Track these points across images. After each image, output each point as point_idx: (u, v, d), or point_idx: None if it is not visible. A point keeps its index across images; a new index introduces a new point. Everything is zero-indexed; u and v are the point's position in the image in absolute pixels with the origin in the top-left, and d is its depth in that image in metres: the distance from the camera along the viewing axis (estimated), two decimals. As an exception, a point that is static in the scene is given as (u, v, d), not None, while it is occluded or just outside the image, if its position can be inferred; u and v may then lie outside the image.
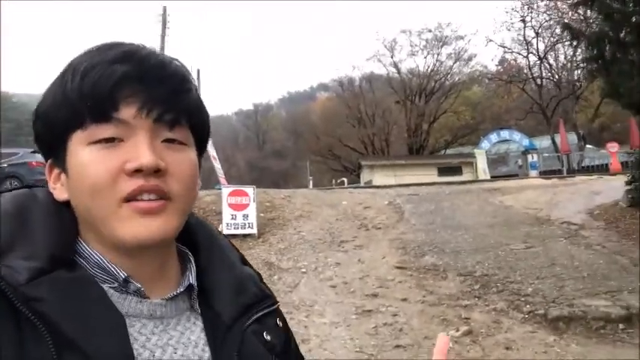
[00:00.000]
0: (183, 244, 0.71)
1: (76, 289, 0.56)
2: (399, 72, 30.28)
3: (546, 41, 27.47)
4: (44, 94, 0.63)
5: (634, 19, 8.37)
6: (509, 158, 28.88)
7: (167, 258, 0.66)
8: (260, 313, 0.70)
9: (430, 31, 29.07)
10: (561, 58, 28.56)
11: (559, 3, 25.69)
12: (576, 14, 25.05)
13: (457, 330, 5.01)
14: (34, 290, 0.54)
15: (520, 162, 25.81)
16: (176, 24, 56.73)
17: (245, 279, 0.72)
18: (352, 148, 30.81)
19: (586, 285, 5.91)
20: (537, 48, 27.45)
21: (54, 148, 0.62)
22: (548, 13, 26.17)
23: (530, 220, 10.09)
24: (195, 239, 0.72)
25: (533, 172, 22.11)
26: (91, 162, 0.58)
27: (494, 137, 24.57)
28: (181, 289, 0.66)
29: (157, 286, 0.64)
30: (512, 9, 26.71)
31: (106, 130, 0.58)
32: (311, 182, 25.63)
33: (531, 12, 26.34)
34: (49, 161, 0.65)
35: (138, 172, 0.57)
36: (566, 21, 9.57)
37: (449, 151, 30.05)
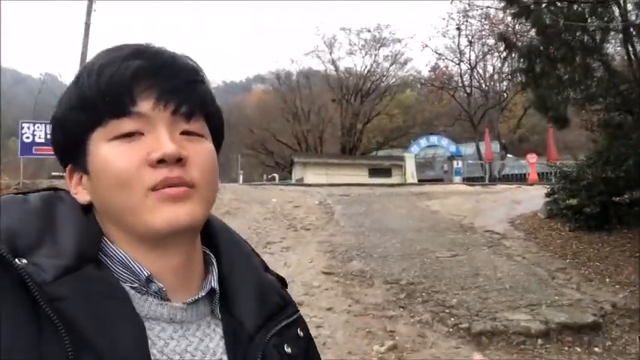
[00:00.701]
0: (208, 247, 0.71)
1: (99, 289, 0.56)
2: (336, 70, 30.37)
3: (477, 51, 28.63)
4: (59, 101, 0.64)
5: (563, 36, 8.68)
6: (435, 163, 29.85)
7: (192, 254, 0.66)
8: (282, 324, 0.69)
9: (369, 31, 29.38)
10: (490, 69, 29.94)
11: (492, 13, 26.85)
12: (506, 27, 26.31)
13: (382, 345, 4.82)
14: (58, 289, 0.53)
15: (446, 167, 26.71)
16: (103, 10, 53.05)
17: (268, 287, 0.72)
18: (285, 144, 30.43)
19: (508, 297, 5.97)
20: (469, 57, 28.57)
21: (73, 152, 0.64)
22: (481, 22, 27.23)
23: (455, 227, 10.26)
24: (218, 243, 0.72)
25: (457, 178, 22.94)
26: (114, 156, 0.59)
27: (423, 142, 25.24)
28: (203, 293, 0.65)
29: (179, 286, 0.64)
30: (449, 16, 27.60)
31: (125, 125, 0.59)
32: (241, 177, 24.97)
33: (466, 20, 27.27)
34: (68, 167, 0.66)
35: (161, 162, 0.58)
36: (500, 31, 9.66)
37: (380, 153, 30.53)
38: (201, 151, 0.63)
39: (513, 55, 10.10)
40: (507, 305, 5.74)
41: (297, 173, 24.41)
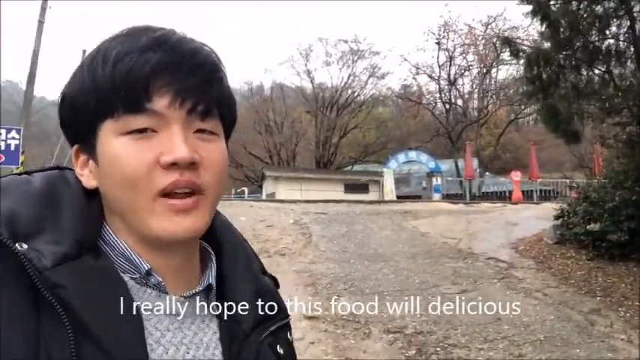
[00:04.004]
0: (207, 242, 0.70)
1: (98, 279, 0.56)
2: (312, 81, 29.11)
3: (457, 66, 27.93)
4: (70, 78, 0.62)
5: (581, 39, 7.58)
6: (411, 179, 28.82)
7: (192, 253, 0.67)
8: (276, 326, 0.70)
9: (346, 42, 28.28)
10: (468, 85, 29.31)
11: (474, 27, 26.28)
12: (487, 42, 25.70)
13: None
14: (58, 276, 0.53)
15: (424, 184, 25.68)
16: (59, 9, 50.53)
17: (265, 289, 0.73)
18: (256, 157, 28.84)
19: (548, 354, 4.63)
20: (449, 72, 27.83)
21: (82, 134, 0.62)
22: (462, 37, 26.63)
23: (453, 252, 8.96)
24: (221, 241, 0.72)
25: (437, 195, 21.87)
26: (125, 154, 0.58)
27: (402, 157, 24.14)
28: (200, 288, 0.66)
29: (177, 280, 0.64)
30: (429, 30, 26.83)
31: (139, 121, 0.58)
32: (208, 190, 23.20)
33: (447, 35, 26.60)
34: (75, 147, 0.64)
35: (173, 165, 0.57)
36: (505, 35, 8.55)
37: (355, 168, 29.31)
38: (215, 152, 0.62)
39: (519, 61, 8.98)
40: (551, 367, 4.40)
41: (268, 188, 22.88)
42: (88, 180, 0.63)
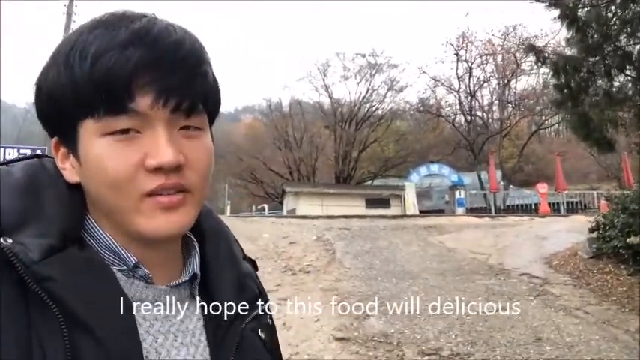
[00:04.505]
0: (190, 230, 0.68)
1: (87, 270, 0.55)
2: (330, 96, 29.06)
3: (476, 77, 27.62)
4: (44, 69, 0.59)
5: (612, 45, 7.33)
6: (433, 193, 28.38)
7: (175, 245, 0.67)
8: (257, 311, 0.70)
9: (364, 56, 28.21)
10: (487, 96, 28.94)
11: (493, 39, 26.04)
12: (507, 52, 25.41)
13: None
14: (46, 269, 0.53)
15: (447, 198, 25.26)
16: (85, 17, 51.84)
17: (246, 275, 0.73)
18: (276, 173, 28.79)
19: (597, 378, 4.32)
20: (468, 83, 27.53)
21: (60, 128, 0.60)
22: (481, 48, 26.37)
23: (483, 268, 8.65)
24: (203, 228, 0.71)
25: (460, 210, 21.44)
26: (109, 156, 0.56)
27: (423, 170, 23.80)
28: (186, 278, 0.66)
29: (162, 271, 0.64)
30: (448, 42, 26.63)
31: (121, 122, 0.56)
32: (228, 208, 23.20)
33: (466, 46, 26.37)
34: (55, 139, 0.63)
35: (158, 169, 0.56)
36: (530, 43, 8.34)
37: (375, 183, 29.02)
38: (200, 150, 0.60)
39: (543, 69, 8.73)
40: (602, 392, 4.10)
41: (289, 204, 22.75)
42: (71, 175, 0.61)
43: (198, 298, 0.67)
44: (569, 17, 6.87)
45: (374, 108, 28.88)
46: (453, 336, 5.29)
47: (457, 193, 22.41)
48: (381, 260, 9.26)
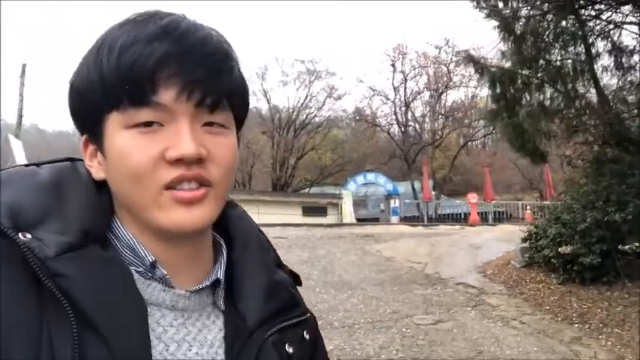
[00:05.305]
0: (221, 235, 0.68)
1: (103, 270, 0.55)
2: (268, 101, 28.57)
3: (411, 88, 28.28)
4: (79, 66, 0.59)
5: (546, 58, 7.52)
6: (368, 201, 28.66)
7: (201, 245, 0.64)
8: (286, 323, 0.66)
9: (303, 62, 28.06)
10: (420, 107, 29.72)
11: (427, 51, 26.76)
12: (442, 65, 26.25)
13: None
14: (60, 265, 0.52)
15: (382, 206, 25.56)
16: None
17: (277, 283, 0.69)
18: (210, 179, 27.85)
19: (540, 393, 4.22)
20: (404, 94, 28.11)
21: (89, 124, 0.60)
22: (417, 60, 27.01)
23: (420, 278, 8.58)
24: (233, 231, 0.69)
25: (395, 218, 21.73)
26: (131, 148, 0.56)
27: (360, 179, 23.95)
28: (207, 283, 0.63)
29: (185, 273, 0.62)
30: (385, 52, 27.07)
31: (144, 114, 0.56)
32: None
33: (402, 57, 26.90)
34: (84, 137, 0.63)
35: (179, 160, 0.56)
36: (468, 53, 8.44)
37: (312, 190, 28.84)
38: (223, 146, 0.59)
39: (472, 82, 8.88)
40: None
41: (223, 211, 21.97)
42: (97, 172, 0.61)
43: (223, 306, 0.64)
44: (506, 29, 6.97)
45: (312, 115, 28.80)
46: (394, 351, 5.05)
47: (392, 201, 22.70)
48: (319, 270, 8.96)
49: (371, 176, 24.19)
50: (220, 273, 0.64)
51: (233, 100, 0.60)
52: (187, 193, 0.56)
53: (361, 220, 21.97)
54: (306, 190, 28.60)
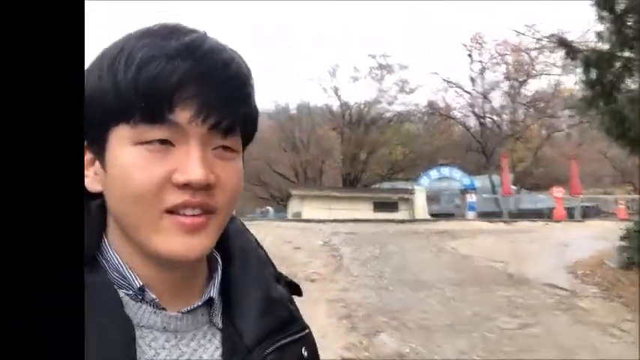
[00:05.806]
0: (219, 249, 0.65)
1: (91, 295, 0.52)
2: (339, 97, 28.43)
3: (489, 79, 26.93)
4: (90, 67, 0.57)
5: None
6: (441, 196, 27.67)
7: (194, 268, 0.62)
8: (284, 341, 0.64)
9: (374, 57, 27.58)
10: (498, 98, 28.23)
11: (508, 38, 25.34)
12: (525, 53, 24.75)
13: None
14: None
15: (457, 201, 24.58)
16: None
17: (275, 300, 0.66)
18: (282, 175, 28.22)
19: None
20: (481, 85, 26.82)
21: (92, 131, 0.57)
22: (496, 49, 25.67)
23: (502, 278, 8.04)
24: (230, 246, 0.67)
25: (471, 214, 20.73)
26: (137, 165, 0.54)
27: (434, 174, 23.14)
28: (199, 303, 0.61)
29: (178, 294, 0.61)
30: (462, 42, 25.96)
31: (156, 132, 0.54)
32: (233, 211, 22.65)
33: (480, 48, 25.69)
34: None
35: (186, 185, 0.54)
36: (560, 37, 7.75)
37: (383, 186, 28.37)
38: (231, 172, 0.58)
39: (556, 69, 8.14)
40: None
41: (294, 207, 22.17)
42: (92, 183, 0.58)
43: (220, 324, 0.62)
44: (605, 7, 6.27)
45: (383, 110, 28.24)
46: (477, 357, 4.68)
47: (469, 196, 21.71)
48: (391, 268, 8.67)
49: (445, 170, 23.29)
50: (214, 291, 0.62)
51: (246, 125, 0.59)
52: (189, 219, 0.55)
53: (434, 216, 21.23)
54: (377, 186, 28.17)
